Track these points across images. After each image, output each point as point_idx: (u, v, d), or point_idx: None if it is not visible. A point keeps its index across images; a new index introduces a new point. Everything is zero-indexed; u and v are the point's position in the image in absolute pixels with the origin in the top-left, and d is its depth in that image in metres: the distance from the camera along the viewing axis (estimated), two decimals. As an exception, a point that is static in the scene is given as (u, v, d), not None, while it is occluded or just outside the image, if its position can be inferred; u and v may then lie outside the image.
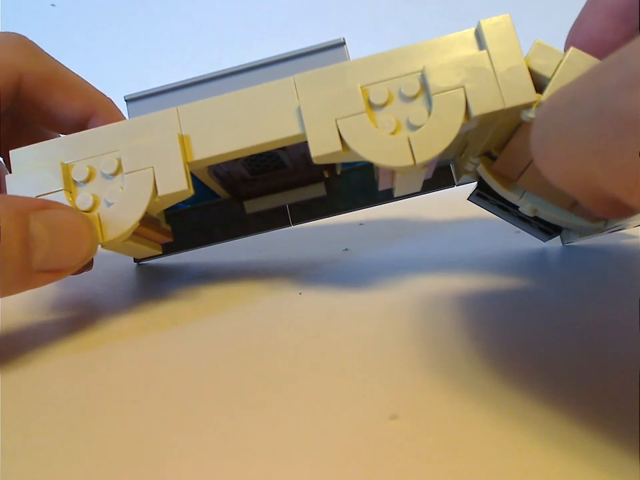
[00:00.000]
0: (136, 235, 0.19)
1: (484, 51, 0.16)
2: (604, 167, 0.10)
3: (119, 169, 0.18)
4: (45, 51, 0.23)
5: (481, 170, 0.21)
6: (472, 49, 0.17)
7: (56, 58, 0.23)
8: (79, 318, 0.22)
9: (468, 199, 0.24)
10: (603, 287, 0.21)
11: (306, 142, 0.17)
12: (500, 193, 0.21)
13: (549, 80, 0.16)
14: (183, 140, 0.17)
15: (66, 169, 0.18)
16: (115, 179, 0.18)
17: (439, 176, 0.24)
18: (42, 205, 0.16)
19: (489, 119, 0.16)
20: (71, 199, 0.18)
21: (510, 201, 0.21)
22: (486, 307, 0.20)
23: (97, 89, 0.24)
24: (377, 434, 0.13)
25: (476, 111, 0.16)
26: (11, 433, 0.14)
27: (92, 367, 0.18)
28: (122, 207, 0.17)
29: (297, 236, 0.26)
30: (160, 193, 0.17)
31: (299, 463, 0.12)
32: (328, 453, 0.13)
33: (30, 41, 0.23)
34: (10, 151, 0.18)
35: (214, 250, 0.27)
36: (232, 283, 0.25)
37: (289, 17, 0.43)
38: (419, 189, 0.21)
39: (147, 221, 0.20)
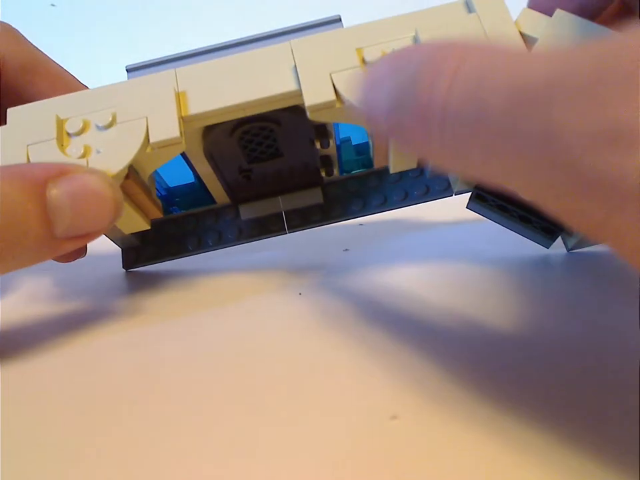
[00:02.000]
0: (128, 197, 0.19)
1: (474, 14, 0.17)
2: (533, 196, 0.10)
3: (113, 122, 0.18)
4: (45, 51, 0.23)
5: None
6: (463, 14, 0.17)
7: (56, 58, 0.23)
8: (74, 317, 0.22)
9: (467, 207, 0.24)
10: (603, 291, 0.21)
11: (300, 127, 0.18)
12: None
13: (536, 40, 0.17)
14: (179, 95, 0.18)
15: (60, 121, 0.18)
16: (108, 131, 0.18)
17: (436, 184, 0.24)
18: (59, 171, 0.15)
19: None
20: (61, 149, 0.17)
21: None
22: (486, 307, 0.20)
23: (78, 80, 0.23)
24: (377, 434, 0.13)
25: None
26: (10, 433, 0.14)
27: (92, 366, 0.18)
28: (112, 152, 0.17)
29: (297, 236, 0.26)
30: (152, 140, 0.17)
31: (298, 462, 0.12)
32: (328, 452, 0.13)
33: (13, 28, 0.22)
34: (8, 109, 0.18)
35: (211, 252, 0.27)
36: (232, 283, 0.25)
37: None
38: (414, 165, 0.21)
39: (139, 184, 0.19)
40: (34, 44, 0.23)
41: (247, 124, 0.20)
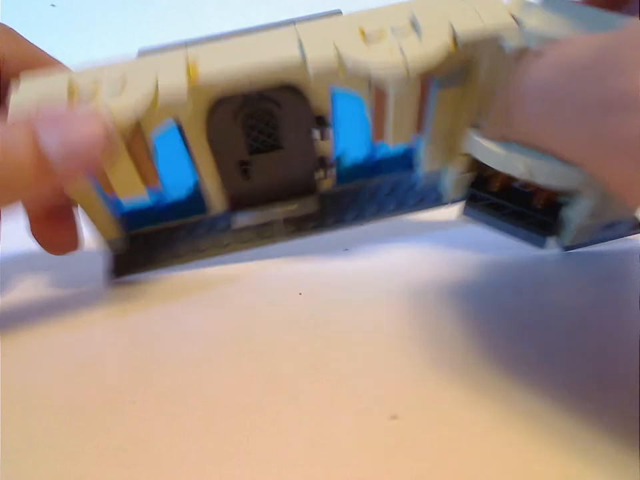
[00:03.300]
0: (131, 157, 0.19)
1: None
2: (600, 169, 0.11)
3: (124, 87, 0.18)
4: (45, 50, 0.23)
5: (471, 142, 0.21)
6: None
7: (56, 58, 0.23)
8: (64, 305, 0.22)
9: (463, 214, 0.23)
10: (603, 288, 0.21)
11: (301, 113, 0.20)
12: (494, 159, 0.20)
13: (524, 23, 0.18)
14: (189, 64, 0.19)
15: (72, 86, 0.19)
16: (119, 96, 0.18)
17: (430, 193, 0.25)
18: (47, 110, 0.17)
19: (472, 51, 0.19)
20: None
21: (504, 169, 0.20)
22: (486, 308, 0.20)
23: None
24: (377, 434, 0.13)
25: (461, 31, 0.18)
26: (10, 433, 0.14)
27: (93, 364, 0.18)
28: (121, 107, 0.18)
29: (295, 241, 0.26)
30: (161, 94, 0.18)
31: (299, 462, 0.12)
32: (328, 452, 0.13)
33: (11, 28, 0.22)
34: (21, 73, 0.19)
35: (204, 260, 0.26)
36: (231, 283, 0.25)
37: None
38: (408, 139, 0.21)
39: (143, 145, 0.20)
40: (34, 44, 0.23)
41: (249, 106, 0.21)
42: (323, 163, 0.24)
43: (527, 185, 0.23)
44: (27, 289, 0.24)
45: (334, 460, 0.12)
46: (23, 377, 0.17)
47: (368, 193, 0.25)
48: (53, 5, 0.48)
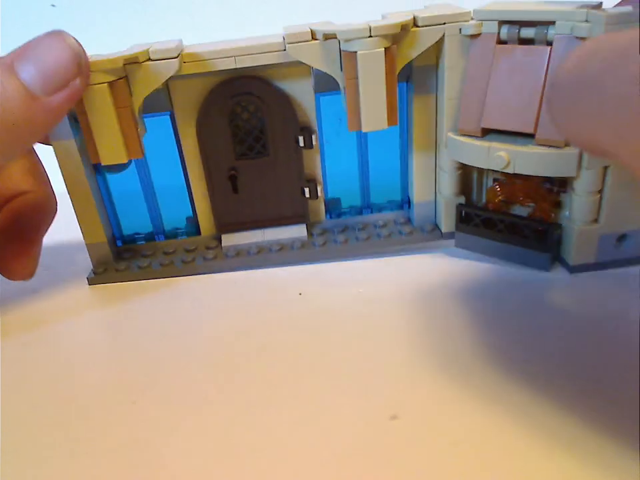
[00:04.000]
0: (117, 117, 0.21)
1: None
2: (621, 147, 0.11)
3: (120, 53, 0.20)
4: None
5: (451, 143, 0.22)
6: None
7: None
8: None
9: (456, 246, 0.24)
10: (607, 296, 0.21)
11: (286, 116, 0.23)
12: (475, 156, 0.21)
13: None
14: (182, 50, 0.22)
15: None
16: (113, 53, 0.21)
17: (425, 227, 0.25)
18: (20, 47, 0.18)
19: (434, 35, 0.21)
20: None
21: (487, 165, 0.20)
22: (486, 308, 0.20)
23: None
24: (377, 434, 0.13)
25: (421, 16, 0.21)
26: (10, 433, 0.14)
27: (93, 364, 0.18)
28: (112, 54, 0.20)
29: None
30: (152, 54, 0.20)
31: (299, 462, 0.12)
32: (328, 452, 0.13)
33: None
34: None
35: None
36: (231, 284, 0.25)
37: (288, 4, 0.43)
38: (385, 126, 0.21)
39: (129, 112, 0.21)
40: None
41: (238, 101, 0.23)
42: (311, 179, 0.25)
43: (521, 201, 0.23)
44: (11, 291, 0.24)
45: (334, 460, 0.12)
46: (23, 377, 0.17)
47: (359, 224, 0.26)
48: (53, 5, 0.48)
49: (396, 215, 0.26)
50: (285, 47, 0.21)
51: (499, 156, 0.20)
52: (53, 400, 0.16)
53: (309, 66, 0.22)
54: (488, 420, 0.13)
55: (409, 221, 0.26)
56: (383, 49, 0.20)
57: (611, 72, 0.11)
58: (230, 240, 0.26)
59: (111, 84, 0.20)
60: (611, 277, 0.21)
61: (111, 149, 0.21)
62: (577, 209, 0.21)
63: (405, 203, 0.27)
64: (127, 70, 0.21)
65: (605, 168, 0.20)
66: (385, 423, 0.14)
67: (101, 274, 0.25)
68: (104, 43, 0.23)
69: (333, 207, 0.26)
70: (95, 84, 0.20)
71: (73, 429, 0.14)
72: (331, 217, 0.26)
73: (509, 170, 0.20)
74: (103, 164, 0.21)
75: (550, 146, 0.19)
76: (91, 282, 0.25)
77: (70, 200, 0.24)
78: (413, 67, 0.23)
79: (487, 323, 0.19)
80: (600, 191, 0.20)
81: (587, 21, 0.18)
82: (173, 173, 0.25)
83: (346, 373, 0.16)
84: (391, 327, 0.19)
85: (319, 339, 0.18)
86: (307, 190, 0.25)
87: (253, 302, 0.22)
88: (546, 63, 0.19)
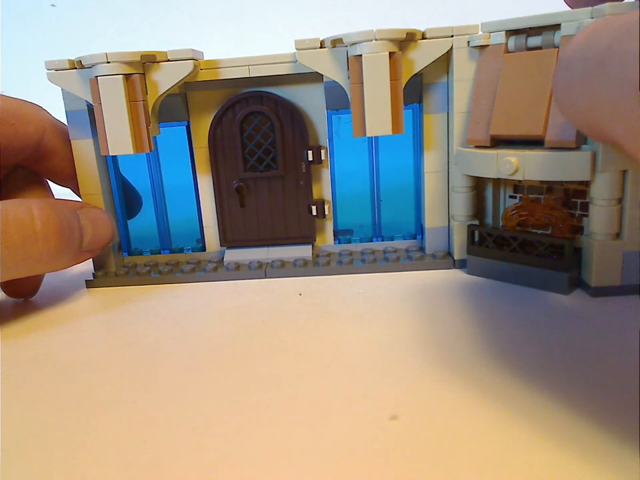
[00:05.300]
0: (130, 111, 0.22)
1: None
2: (621, 128, 0.11)
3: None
4: (45, 50, 0.23)
5: (460, 155, 0.22)
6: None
7: (56, 58, 0.23)
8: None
9: (468, 273, 0.23)
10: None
11: (297, 139, 0.23)
12: (484, 166, 0.20)
13: None
14: (199, 61, 0.23)
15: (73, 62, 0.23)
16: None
17: (441, 257, 0.24)
18: (81, 205, 0.23)
19: (443, 46, 0.22)
20: None
21: (497, 174, 0.20)
22: (486, 309, 0.20)
23: None
24: (377, 434, 0.13)
25: (428, 29, 0.22)
26: (10, 433, 0.14)
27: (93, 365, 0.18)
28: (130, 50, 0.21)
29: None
30: (170, 54, 0.22)
31: (299, 462, 0.12)
32: (328, 453, 0.13)
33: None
34: None
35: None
36: (231, 285, 0.25)
37: (291, 14, 0.43)
38: (389, 132, 0.21)
39: (141, 107, 0.22)
40: (34, 44, 0.23)
41: (250, 114, 0.24)
42: (319, 198, 0.25)
43: (539, 225, 0.22)
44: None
45: (334, 460, 0.12)
46: (23, 377, 0.17)
47: (369, 250, 0.26)
48: (53, 5, 0.48)
49: (408, 243, 0.26)
50: (295, 48, 0.22)
51: (507, 161, 0.19)
52: (53, 400, 0.16)
53: (321, 82, 0.23)
54: (488, 420, 0.13)
55: (420, 249, 0.26)
56: (388, 52, 0.20)
57: (614, 48, 0.11)
58: (233, 256, 0.26)
59: (126, 77, 0.21)
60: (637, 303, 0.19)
61: (119, 140, 0.22)
62: (595, 219, 0.19)
63: (419, 233, 0.26)
64: (144, 67, 0.22)
65: (623, 172, 0.19)
66: (385, 423, 0.14)
67: (100, 277, 0.25)
68: (104, 43, 0.23)
69: (342, 236, 0.27)
70: (112, 74, 0.21)
71: (73, 430, 0.14)
72: (339, 243, 0.26)
73: (519, 176, 0.19)
74: (110, 154, 0.22)
75: (561, 148, 0.19)
76: (90, 285, 0.25)
77: (80, 198, 0.25)
78: (423, 86, 0.23)
79: (488, 326, 0.19)
80: (620, 200, 0.19)
81: (591, 17, 0.18)
82: (184, 185, 0.26)
83: (346, 372, 0.16)
84: (391, 326, 0.19)
85: (319, 338, 0.18)
86: (314, 208, 0.25)
87: (253, 302, 0.22)
88: (553, 65, 0.19)
